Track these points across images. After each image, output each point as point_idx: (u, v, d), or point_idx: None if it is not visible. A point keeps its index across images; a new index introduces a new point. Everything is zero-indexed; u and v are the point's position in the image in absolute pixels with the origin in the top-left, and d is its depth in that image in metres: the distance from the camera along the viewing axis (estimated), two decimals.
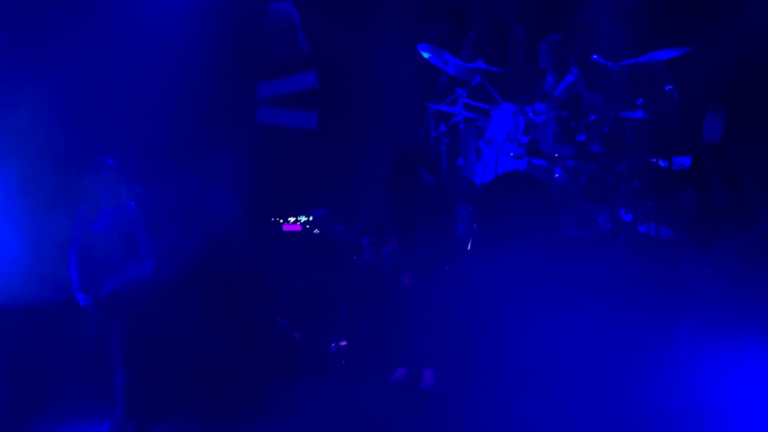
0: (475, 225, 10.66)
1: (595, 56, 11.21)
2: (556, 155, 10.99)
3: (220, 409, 9.07)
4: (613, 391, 8.59)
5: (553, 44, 11.24)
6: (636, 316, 9.12)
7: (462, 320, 9.38)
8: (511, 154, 11.00)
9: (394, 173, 9.54)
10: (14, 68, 9.48)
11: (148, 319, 9.02)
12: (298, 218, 11.21)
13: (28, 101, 9.44)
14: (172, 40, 10.76)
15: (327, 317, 10.35)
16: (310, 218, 11.22)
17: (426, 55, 11.44)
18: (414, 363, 9.43)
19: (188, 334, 9.80)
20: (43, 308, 8.91)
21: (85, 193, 8.60)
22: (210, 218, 10.15)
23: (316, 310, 10.53)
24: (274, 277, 10.82)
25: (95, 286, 8.50)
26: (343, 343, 10.14)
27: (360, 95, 12.13)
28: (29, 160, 9.37)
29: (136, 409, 8.80)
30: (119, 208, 8.56)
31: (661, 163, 11.01)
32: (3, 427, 8.73)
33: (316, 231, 11.17)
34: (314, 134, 12.65)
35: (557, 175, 10.96)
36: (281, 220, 11.20)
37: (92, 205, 8.58)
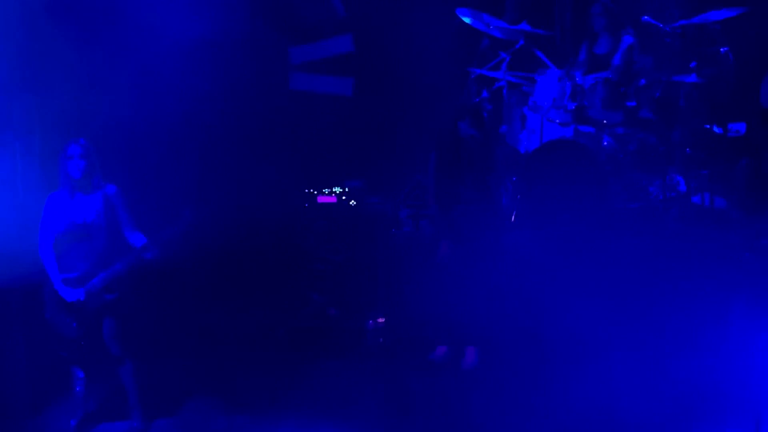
0: (519, 195, 10.42)
1: (645, 17, 10.86)
2: (605, 122, 10.68)
3: (253, 389, 8.88)
4: (664, 369, 8.34)
5: (607, 5, 10.93)
6: (689, 291, 8.83)
7: (506, 296, 9.13)
8: (558, 120, 10.73)
9: (441, 134, 9.37)
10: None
11: (170, 302, 8.88)
12: (334, 189, 11.04)
13: (40, 71, 9.19)
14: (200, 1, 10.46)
15: (364, 293, 10.28)
16: (346, 189, 11.05)
17: (467, 20, 11.15)
18: (456, 341, 9.29)
19: (217, 313, 9.76)
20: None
21: (59, 178, 8.14)
22: (239, 190, 10.04)
23: (352, 286, 10.45)
24: (309, 252, 10.70)
25: (85, 279, 8.06)
26: (381, 320, 10.01)
27: (398, 60, 11.85)
28: (41, 136, 9.09)
29: (154, 400, 8.53)
30: (101, 194, 8.14)
31: (716, 129, 10.70)
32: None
33: (352, 203, 11.00)
34: (350, 101, 12.38)
35: (606, 143, 10.66)
36: (315, 192, 11.03)
37: (67, 191, 8.11)
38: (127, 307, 8.22)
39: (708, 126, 10.68)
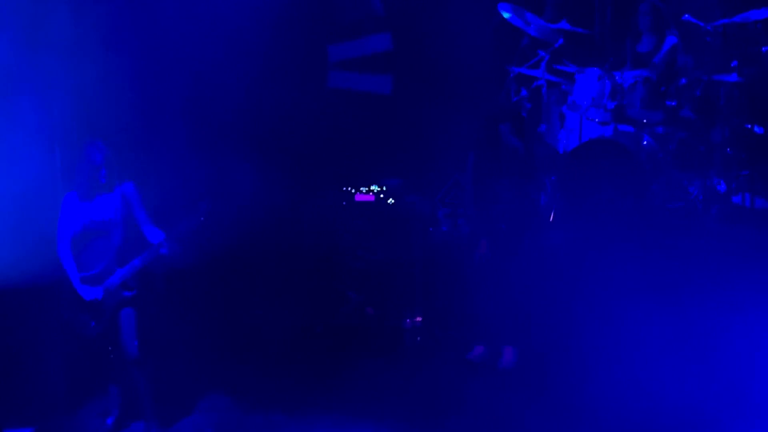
0: (558, 195, 10.34)
1: (686, 16, 10.71)
2: (645, 121, 10.58)
3: (290, 387, 8.86)
4: (705, 369, 8.26)
5: (656, 4, 10.85)
6: (730, 292, 8.69)
7: (544, 295, 9.10)
8: (597, 119, 10.64)
9: (480, 134, 9.33)
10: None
11: (208, 300, 8.86)
12: (372, 188, 11.05)
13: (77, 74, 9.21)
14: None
15: (401, 292, 10.26)
16: (384, 188, 11.06)
17: (506, 15, 11.08)
18: (493, 340, 9.21)
19: (255, 311, 9.77)
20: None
21: (76, 179, 8.15)
22: (278, 188, 10.02)
23: (390, 285, 10.42)
24: (346, 250, 10.70)
25: (103, 277, 8.04)
26: (419, 319, 10.04)
27: (436, 58, 11.81)
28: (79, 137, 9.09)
29: (184, 399, 8.60)
30: (118, 192, 8.11)
31: (757, 129, 10.56)
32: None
33: (390, 201, 11.01)
34: (388, 99, 12.36)
35: (646, 143, 10.54)
36: (353, 190, 11.05)
37: (86, 191, 8.09)
38: (147, 304, 8.20)
39: (749, 126, 10.53)
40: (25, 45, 9.02)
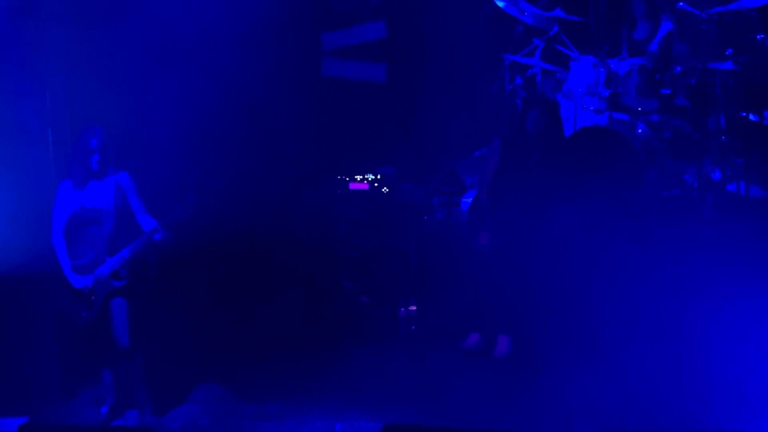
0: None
1: (681, 3, 10.81)
2: (640, 109, 10.60)
3: (284, 377, 8.82)
4: (701, 358, 8.24)
5: None
6: (725, 280, 8.65)
7: (539, 283, 9.03)
8: (592, 108, 10.67)
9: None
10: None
11: (203, 289, 8.85)
12: (366, 176, 10.99)
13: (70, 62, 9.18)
14: None
15: (396, 281, 10.22)
16: (379, 176, 11.01)
17: (501, 5, 11.10)
18: (488, 329, 9.22)
19: (249, 300, 9.74)
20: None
21: (70, 164, 8.14)
22: (271, 177, 10.00)
23: (384, 273, 10.38)
24: (340, 239, 10.65)
25: (93, 265, 7.99)
26: (413, 307, 9.97)
27: (431, 46, 11.76)
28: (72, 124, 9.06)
29: (179, 389, 8.58)
30: (113, 181, 8.07)
31: (752, 117, 10.63)
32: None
33: (384, 190, 10.96)
34: (383, 87, 12.30)
35: (640, 131, 10.57)
36: (348, 179, 11.00)
37: (78, 177, 8.06)
38: (140, 294, 8.16)
39: (744, 114, 10.59)
40: (20, 33, 8.99)
